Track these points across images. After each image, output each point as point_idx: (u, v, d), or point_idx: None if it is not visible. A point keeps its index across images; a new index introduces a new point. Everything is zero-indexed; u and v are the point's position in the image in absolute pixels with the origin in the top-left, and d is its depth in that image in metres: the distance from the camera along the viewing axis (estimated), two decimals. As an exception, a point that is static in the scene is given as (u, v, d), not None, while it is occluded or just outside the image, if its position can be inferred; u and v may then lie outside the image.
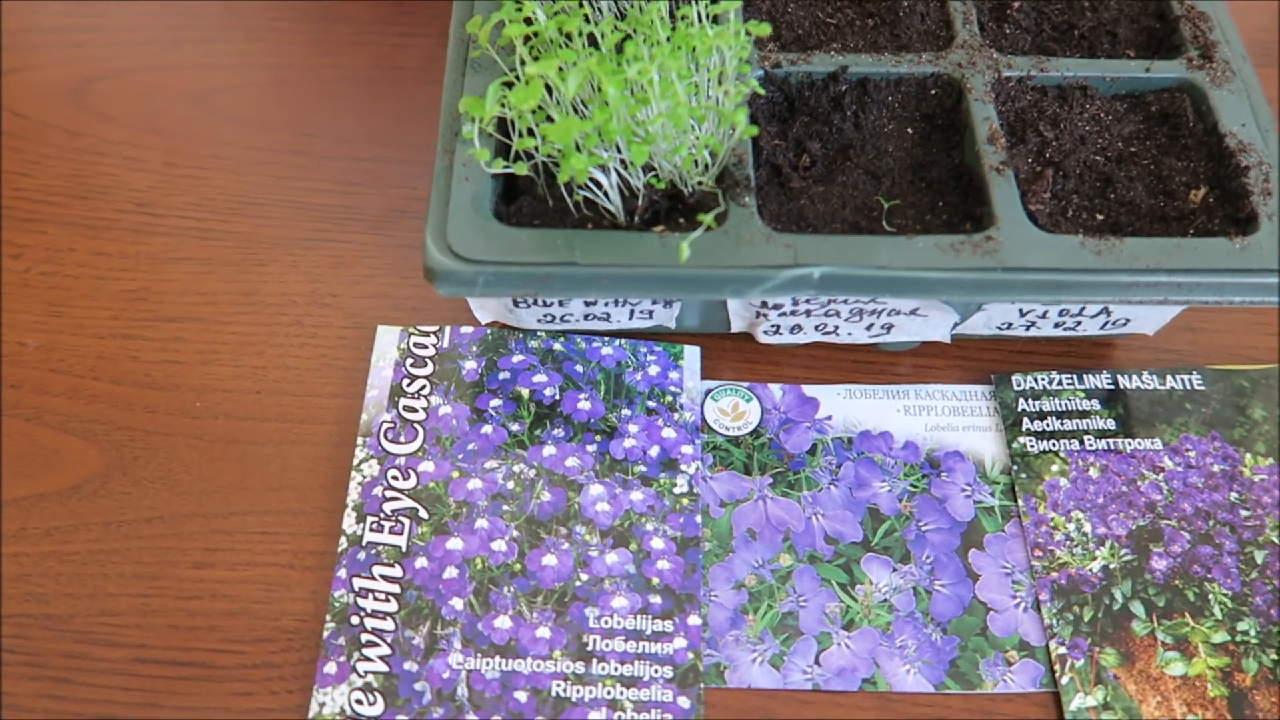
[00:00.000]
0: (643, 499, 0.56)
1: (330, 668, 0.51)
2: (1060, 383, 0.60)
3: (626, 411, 0.58)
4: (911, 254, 0.51)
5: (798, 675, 0.52)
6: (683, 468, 0.57)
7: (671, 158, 0.52)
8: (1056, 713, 0.51)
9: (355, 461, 0.56)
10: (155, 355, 0.61)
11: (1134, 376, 0.60)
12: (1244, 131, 0.57)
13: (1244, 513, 0.56)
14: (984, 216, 0.54)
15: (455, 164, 0.53)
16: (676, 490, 0.56)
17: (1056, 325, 0.58)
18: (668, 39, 0.51)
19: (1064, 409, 0.59)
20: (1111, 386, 0.60)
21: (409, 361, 0.60)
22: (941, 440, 0.58)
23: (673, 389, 0.59)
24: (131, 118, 0.71)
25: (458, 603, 0.52)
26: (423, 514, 0.55)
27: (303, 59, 0.75)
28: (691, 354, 0.61)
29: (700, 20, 0.54)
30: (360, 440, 0.57)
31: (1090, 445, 0.58)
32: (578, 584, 0.53)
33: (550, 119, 0.53)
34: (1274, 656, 0.52)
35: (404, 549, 0.54)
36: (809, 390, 0.60)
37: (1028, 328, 0.58)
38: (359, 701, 0.50)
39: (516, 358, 0.60)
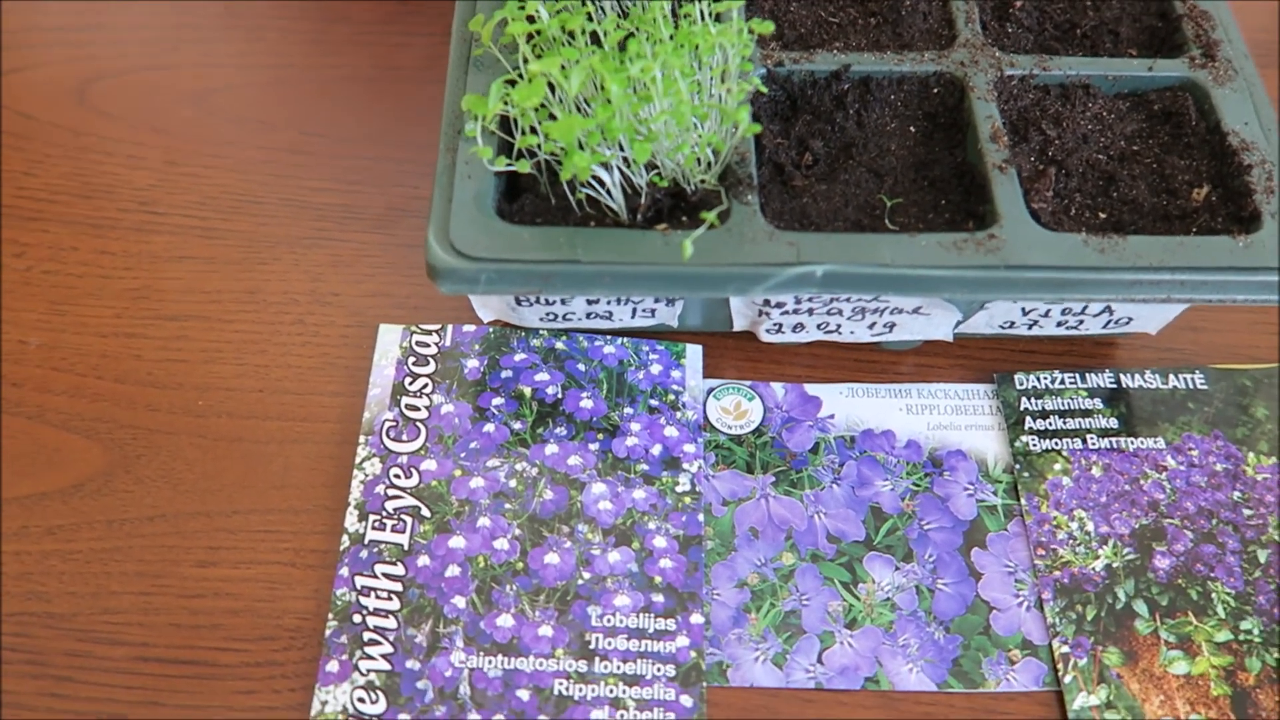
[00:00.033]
0: (645, 497, 0.56)
1: (332, 666, 0.51)
2: (1063, 382, 0.60)
3: (629, 410, 0.58)
4: (914, 252, 0.51)
5: (800, 674, 0.52)
6: (685, 466, 0.57)
7: (674, 156, 0.52)
8: (1059, 712, 0.51)
9: (357, 460, 0.56)
10: (158, 354, 0.61)
11: (1136, 375, 0.60)
12: (1246, 130, 0.57)
13: (1247, 511, 0.56)
14: (987, 215, 0.54)
15: (458, 162, 0.53)
16: (679, 489, 0.56)
17: (1059, 324, 0.58)
18: (670, 37, 0.51)
19: (1066, 408, 0.59)
20: (1114, 385, 0.60)
21: (411, 360, 0.60)
22: (944, 439, 0.58)
23: (675, 388, 0.59)
24: (134, 117, 0.71)
25: (460, 601, 0.52)
26: (425, 512, 0.55)
27: (304, 58, 0.75)
28: (694, 353, 0.61)
29: (703, 18, 0.54)
30: (362, 438, 0.57)
31: (1093, 444, 0.58)
32: (580, 582, 0.53)
33: (553, 117, 0.53)
34: (1277, 655, 0.52)
35: (406, 547, 0.54)
36: (811, 389, 0.60)
37: (1030, 327, 0.58)
38: (361, 700, 0.50)
39: (519, 356, 0.60)
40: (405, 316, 0.62)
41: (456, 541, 0.54)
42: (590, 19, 0.53)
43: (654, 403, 0.59)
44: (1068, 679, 0.51)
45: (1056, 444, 0.58)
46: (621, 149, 0.51)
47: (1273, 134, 0.56)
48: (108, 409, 0.59)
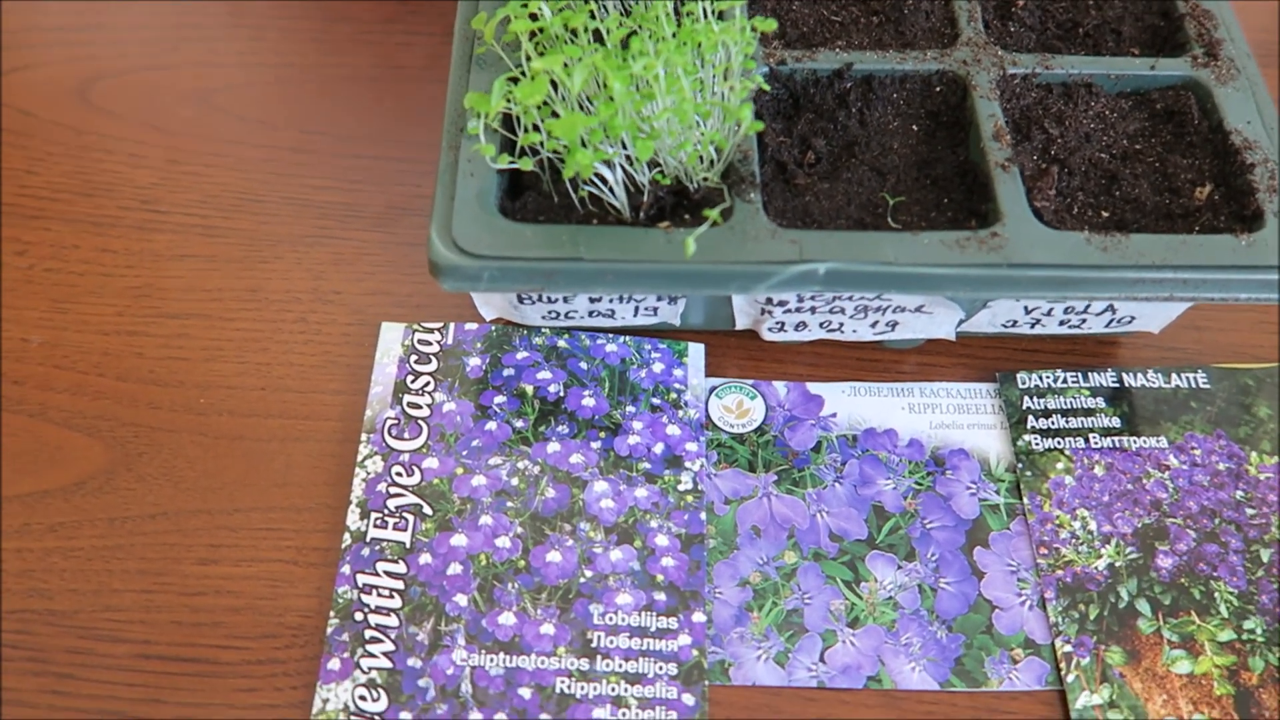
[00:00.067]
0: (647, 496, 0.56)
1: (334, 664, 0.51)
2: (1065, 381, 0.60)
3: (631, 408, 0.58)
4: (917, 250, 0.51)
5: (802, 672, 0.51)
6: (687, 465, 0.57)
7: (677, 153, 0.52)
8: (1062, 711, 0.51)
9: (359, 458, 0.56)
10: (159, 352, 0.61)
11: (1139, 375, 0.60)
12: (1249, 129, 0.57)
13: (1250, 511, 0.56)
14: (989, 213, 0.54)
15: (460, 160, 0.53)
16: (681, 487, 0.56)
17: (1061, 323, 0.58)
18: (673, 35, 0.51)
19: (1069, 407, 0.59)
20: (1116, 385, 0.60)
21: (413, 358, 0.60)
22: (946, 438, 0.58)
23: (677, 386, 0.59)
24: (135, 115, 0.71)
25: (462, 599, 0.52)
26: (427, 510, 0.55)
27: (306, 57, 0.75)
28: (696, 351, 0.61)
29: (706, 16, 0.54)
30: (364, 437, 0.57)
31: (1095, 443, 0.58)
32: (582, 581, 0.53)
33: (555, 114, 0.53)
34: (1280, 654, 0.52)
35: (408, 545, 0.54)
36: (813, 388, 0.60)
37: (1033, 325, 0.58)
38: (362, 698, 0.50)
39: (521, 354, 0.60)
40: (407, 315, 0.62)
41: (458, 539, 0.54)
42: (593, 16, 0.53)
43: (656, 401, 0.59)
44: (1070, 678, 0.51)
45: (1059, 443, 0.58)
46: (624, 147, 0.51)
47: (1275, 133, 0.56)
48: (109, 407, 0.59)
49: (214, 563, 0.54)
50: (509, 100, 0.51)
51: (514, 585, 0.53)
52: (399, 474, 0.56)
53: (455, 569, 0.53)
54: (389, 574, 0.53)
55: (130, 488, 0.56)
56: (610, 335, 0.61)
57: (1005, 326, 0.59)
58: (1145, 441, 0.58)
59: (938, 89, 0.59)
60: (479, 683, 0.50)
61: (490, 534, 0.54)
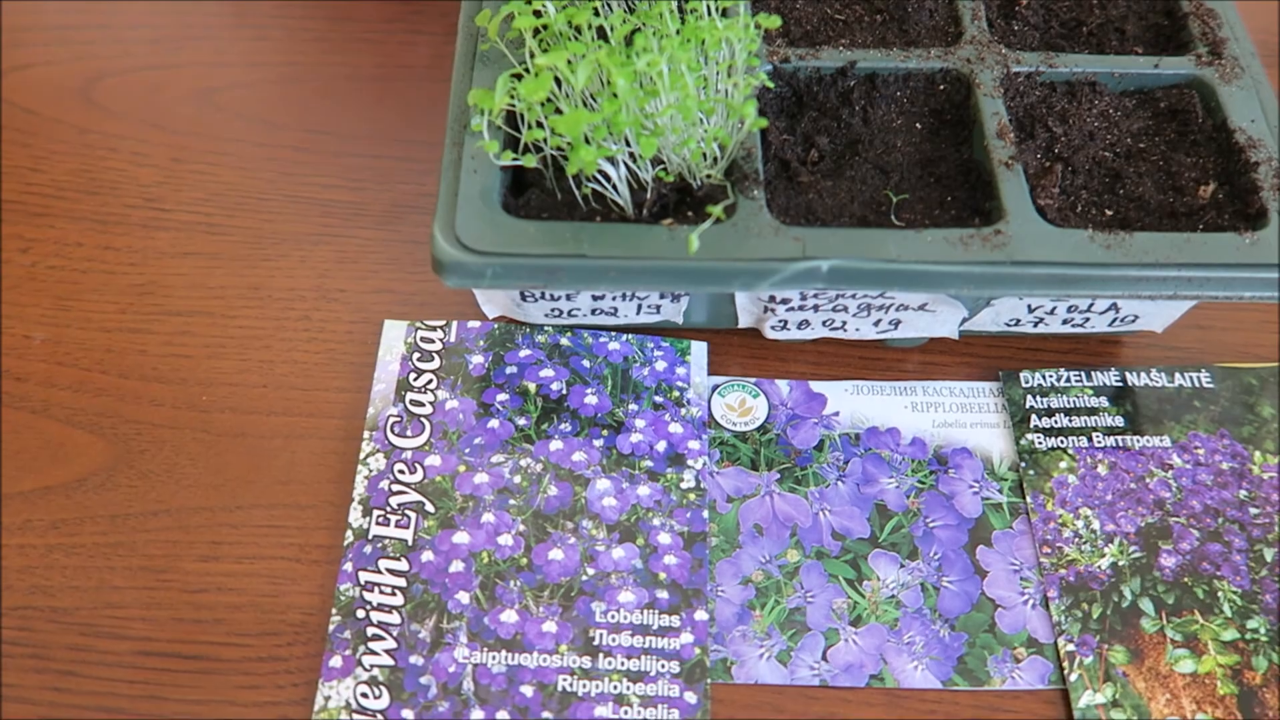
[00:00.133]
0: (650, 494, 0.56)
1: (336, 661, 0.51)
2: (1068, 380, 0.60)
3: (633, 406, 0.58)
4: (920, 247, 0.51)
5: (805, 671, 0.51)
6: (690, 463, 0.57)
7: (680, 150, 0.52)
8: (1065, 710, 0.51)
9: (362, 455, 0.56)
10: (162, 349, 0.61)
11: (1142, 374, 0.60)
12: (1253, 128, 0.56)
13: (1253, 510, 0.56)
14: (993, 211, 0.54)
15: (464, 157, 0.53)
16: (683, 485, 0.56)
17: (1065, 322, 0.58)
18: (677, 31, 0.51)
19: (1072, 406, 0.59)
20: (1120, 384, 0.60)
21: (416, 356, 0.60)
22: (949, 437, 0.58)
23: (680, 384, 0.59)
24: (139, 114, 0.71)
25: (464, 597, 0.52)
26: (429, 508, 0.55)
27: (309, 56, 0.75)
28: (699, 349, 0.61)
29: (709, 13, 0.54)
30: (367, 434, 0.57)
31: (1098, 442, 0.58)
32: (584, 579, 0.53)
33: (559, 111, 0.53)
34: (1284, 654, 0.52)
35: (410, 543, 0.54)
36: (816, 386, 0.60)
37: (1036, 324, 0.58)
38: (364, 695, 0.50)
39: (523, 352, 0.60)
40: (410, 313, 0.62)
41: (460, 537, 0.54)
42: (597, 13, 0.53)
43: (659, 399, 0.59)
44: (1073, 677, 0.51)
45: (1062, 442, 0.58)
46: (628, 144, 0.51)
47: (1278, 131, 0.56)
48: (112, 404, 0.59)
49: (216, 560, 0.54)
50: (513, 97, 0.51)
51: (516, 583, 0.53)
52: (401, 471, 0.56)
53: (457, 566, 0.53)
54: (391, 571, 0.53)
55: (132, 485, 0.56)
56: (613, 333, 0.61)
57: (1008, 325, 0.59)
58: (1148, 441, 0.58)
59: (941, 87, 0.59)
60: (481, 680, 0.50)
61: (492, 532, 0.54)
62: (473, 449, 0.57)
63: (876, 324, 0.58)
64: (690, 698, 0.50)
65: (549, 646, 0.51)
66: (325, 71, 0.74)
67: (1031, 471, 0.57)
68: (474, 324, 0.61)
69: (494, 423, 0.58)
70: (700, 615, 0.52)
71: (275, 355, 0.61)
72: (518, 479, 0.56)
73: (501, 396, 0.58)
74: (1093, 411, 0.59)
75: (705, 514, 0.55)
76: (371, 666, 0.50)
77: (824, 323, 0.58)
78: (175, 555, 0.54)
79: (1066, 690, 0.51)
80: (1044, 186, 0.55)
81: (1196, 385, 0.60)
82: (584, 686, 0.50)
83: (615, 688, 0.50)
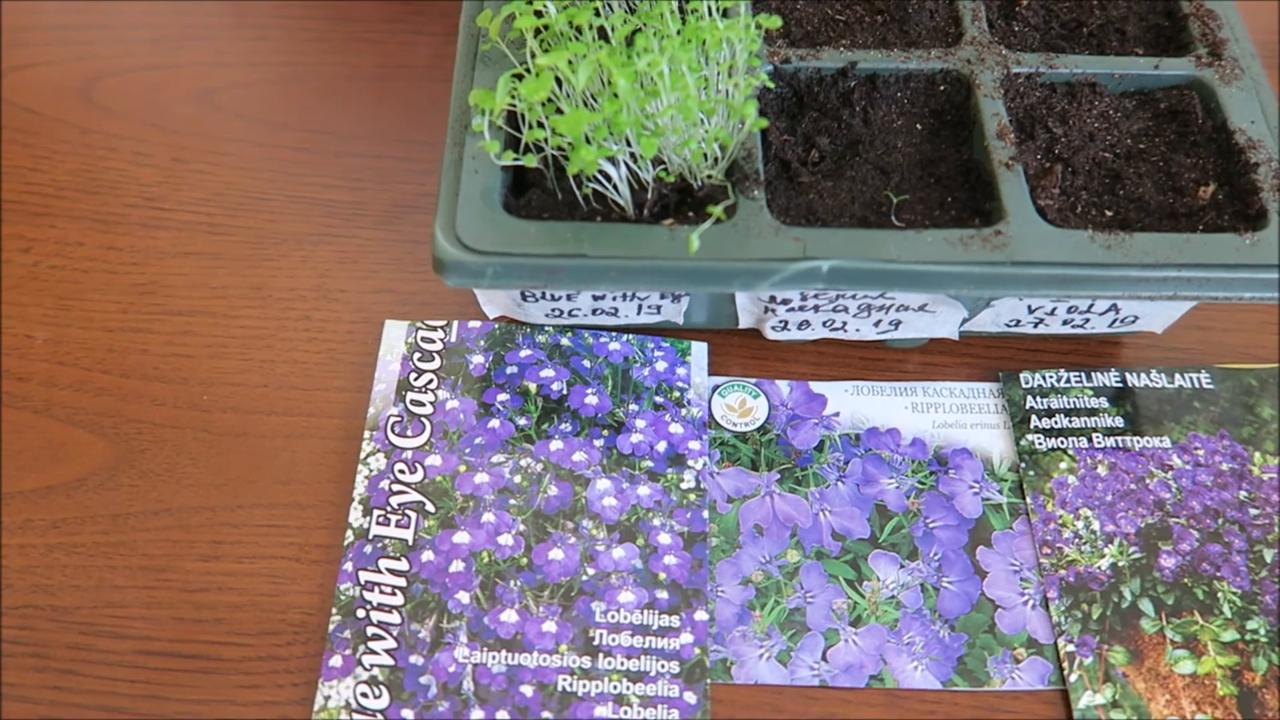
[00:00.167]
0: (650, 494, 0.56)
1: (336, 661, 0.51)
2: (1068, 380, 0.60)
3: (634, 407, 0.58)
4: (920, 248, 0.51)
5: (805, 671, 0.51)
6: (690, 463, 0.57)
7: (681, 151, 0.52)
8: (1065, 711, 0.51)
9: (362, 455, 0.56)
10: (164, 349, 0.61)
11: (1142, 374, 0.60)
12: (1253, 128, 0.56)
13: (1253, 511, 0.56)
14: (993, 211, 0.54)
15: (465, 156, 0.53)
16: (684, 485, 0.56)
17: (1065, 323, 0.58)
18: (678, 32, 0.51)
19: (1072, 407, 0.59)
20: (1120, 384, 0.60)
21: (416, 356, 0.60)
22: (949, 437, 0.58)
23: (680, 384, 0.59)
24: (139, 114, 0.71)
25: (464, 596, 0.52)
26: (429, 508, 0.55)
27: (310, 56, 0.75)
28: (699, 350, 0.61)
29: (710, 14, 0.54)
30: (367, 434, 0.57)
31: (1098, 443, 0.58)
32: (584, 578, 0.53)
33: (560, 111, 0.53)
34: (1284, 654, 0.52)
35: (410, 543, 0.54)
36: (816, 387, 0.60)
37: (1036, 325, 0.58)
38: (364, 695, 0.50)
39: (524, 352, 0.60)
40: (411, 313, 0.62)
41: (461, 537, 0.54)
42: (598, 14, 0.53)
43: (659, 399, 0.59)
44: (1073, 678, 0.51)
45: (1062, 443, 0.58)
46: (628, 144, 0.51)
47: (1278, 132, 0.56)
48: (113, 403, 0.59)
49: (216, 559, 0.54)
50: (513, 97, 0.51)
51: (516, 583, 0.53)
52: (402, 471, 0.56)
53: (457, 566, 0.53)
54: (391, 571, 0.53)
55: (133, 484, 0.56)
56: (613, 333, 0.61)
57: (1008, 326, 0.59)
58: (1148, 441, 0.58)
59: (942, 88, 0.59)
60: (481, 680, 0.50)
61: (493, 531, 0.54)
62: (473, 449, 0.57)
63: (877, 324, 0.58)
64: (690, 698, 0.50)
65: (549, 646, 0.51)
66: (326, 71, 0.74)
67: (1031, 472, 0.57)
68: (475, 324, 0.61)
69: (494, 423, 0.58)
70: (700, 615, 0.52)
71: (276, 355, 0.61)
72: (518, 479, 0.56)
73: (502, 396, 0.59)
74: (1093, 412, 0.59)
75: (705, 514, 0.55)
76: (371, 666, 0.50)
77: (824, 323, 0.58)
78: (176, 555, 0.54)
79: (1066, 691, 0.51)
80: (1044, 187, 0.55)
81: (1196, 386, 0.60)
82: (584, 686, 0.50)
83: (615, 688, 0.50)
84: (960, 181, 0.56)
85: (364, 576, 0.53)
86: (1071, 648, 0.52)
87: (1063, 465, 0.57)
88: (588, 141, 0.50)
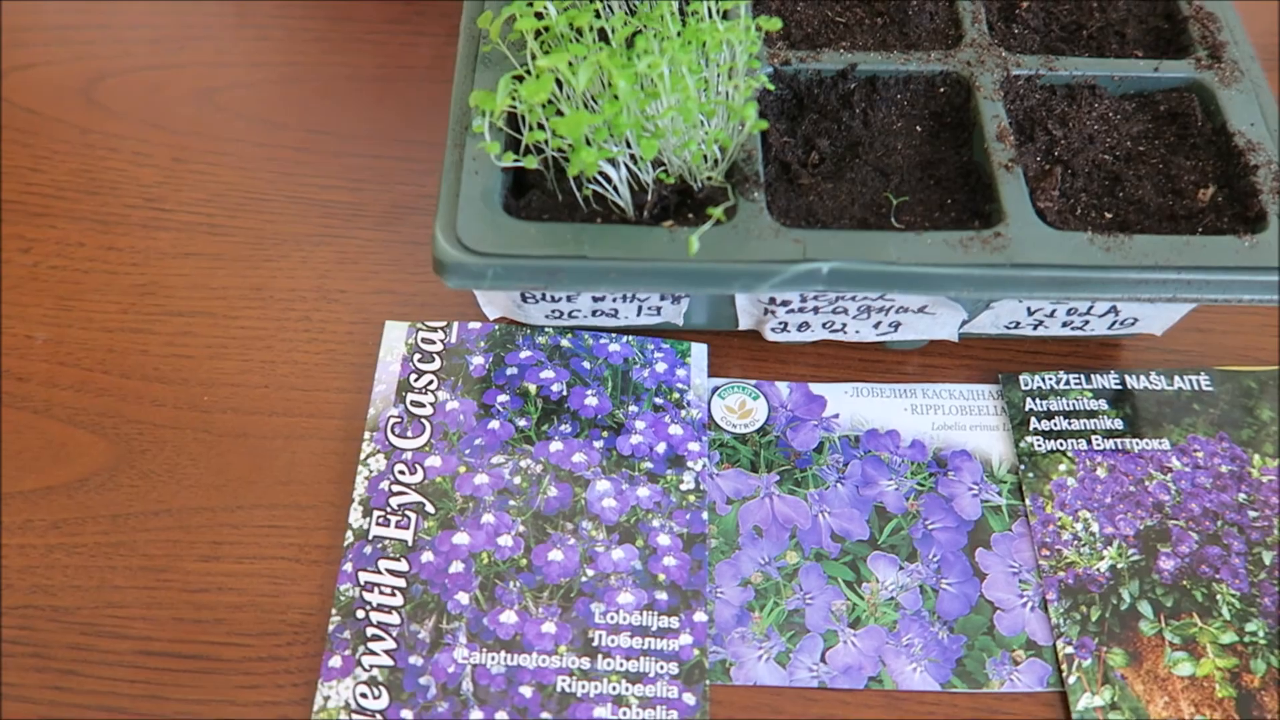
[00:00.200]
0: (649, 495, 0.56)
1: (335, 661, 0.51)
2: (1068, 382, 0.60)
3: (634, 408, 0.58)
4: (920, 250, 0.51)
5: (804, 673, 0.51)
6: (689, 464, 0.57)
7: (681, 152, 0.52)
8: (1063, 712, 0.51)
9: (362, 456, 0.57)
10: (164, 349, 0.61)
11: (1142, 377, 0.60)
12: (1252, 131, 0.57)
13: (1252, 513, 0.56)
14: (993, 213, 0.54)
15: (465, 158, 0.53)
16: (683, 487, 0.56)
17: (1064, 325, 0.58)
18: (678, 34, 0.52)
19: (1071, 409, 0.59)
20: (1119, 386, 0.60)
21: (416, 357, 0.60)
22: (949, 439, 0.58)
23: (680, 386, 0.59)
24: (140, 114, 0.71)
25: (463, 597, 0.52)
26: (429, 509, 0.55)
27: (310, 57, 0.75)
28: (699, 351, 0.61)
29: (710, 15, 0.54)
30: (367, 435, 0.57)
31: (1098, 445, 0.58)
32: (584, 579, 0.53)
33: (560, 113, 0.53)
34: (1282, 656, 0.52)
35: (410, 543, 0.54)
36: (816, 388, 0.60)
37: (1035, 327, 0.58)
38: (364, 695, 0.50)
39: (524, 353, 0.60)
40: (411, 313, 0.62)
41: (460, 538, 0.54)
42: (598, 15, 0.54)
43: (659, 401, 0.59)
44: (1072, 680, 0.51)
45: (1061, 444, 0.58)
46: (628, 145, 0.51)
47: (1278, 135, 0.56)
48: (113, 404, 0.59)
49: (216, 560, 0.54)
50: (514, 98, 0.51)
51: (515, 584, 0.53)
52: (402, 472, 0.56)
53: (457, 567, 0.53)
54: (391, 572, 0.53)
55: (133, 484, 0.56)
56: (613, 335, 0.61)
57: (1008, 328, 0.59)
58: (1148, 444, 0.58)
59: (942, 90, 0.59)
60: (480, 681, 0.50)
61: (492, 532, 0.54)
62: (473, 450, 0.57)
63: (876, 326, 0.58)
64: (689, 699, 0.50)
65: (548, 647, 0.51)
66: (326, 72, 0.74)
67: (1031, 474, 0.57)
68: (475, 325, 0.61)
69: (494, 424, 0.58)
70: (699, 617, 0.52)
71: (276, 356, 0.61)
72: (518, 480, 0.56)
73: (502, 397, 0.59)
74: (1092, 414, 0.59)
75: (705, 515, 0.55)
76: (371, 667, 0.51)
77: (824, 325, 0.58)
78: (176, 555, 0.54)
79: (1065, 693, 0.51)
80: (1044, 189, 0.55)
81: (1196, 388, 0.60)
82: (583, 687, 0.50)
83: (614, 689, 0.50)
84: (960, 183, 0.57)
85: (364, 577, 0.53)
86: (1070, 649, 0.52)
87: (1062, 467, 0.57)
88: (588, 143, 0.50)
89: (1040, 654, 0.52)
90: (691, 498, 0.56)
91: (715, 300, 0.58)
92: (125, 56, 0.75)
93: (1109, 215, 0.55)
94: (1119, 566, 0.54)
